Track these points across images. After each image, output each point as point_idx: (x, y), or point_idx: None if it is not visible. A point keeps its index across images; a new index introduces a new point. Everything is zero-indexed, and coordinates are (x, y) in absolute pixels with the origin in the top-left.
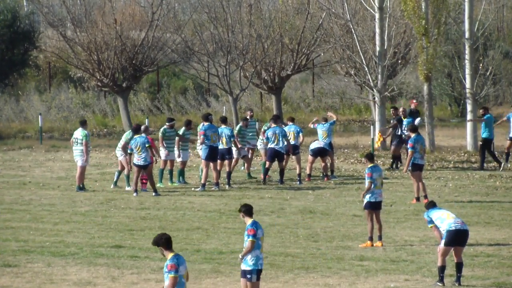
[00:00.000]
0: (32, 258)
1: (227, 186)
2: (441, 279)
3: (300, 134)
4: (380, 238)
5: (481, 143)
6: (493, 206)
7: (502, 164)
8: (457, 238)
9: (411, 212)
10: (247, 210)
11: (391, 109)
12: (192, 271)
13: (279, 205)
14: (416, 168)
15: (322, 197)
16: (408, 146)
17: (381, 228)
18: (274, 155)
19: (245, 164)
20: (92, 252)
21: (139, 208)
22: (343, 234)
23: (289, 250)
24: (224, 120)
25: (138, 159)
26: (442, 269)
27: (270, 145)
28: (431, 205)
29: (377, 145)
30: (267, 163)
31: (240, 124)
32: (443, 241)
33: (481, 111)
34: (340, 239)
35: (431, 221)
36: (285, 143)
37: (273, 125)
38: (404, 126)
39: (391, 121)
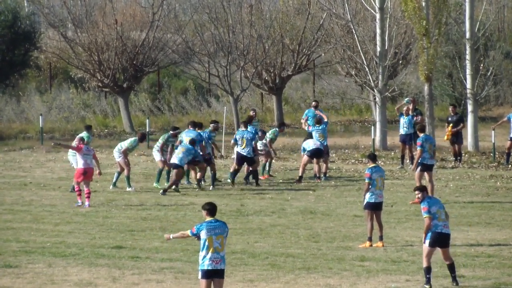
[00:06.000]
0: (33, 259)
1: (211, 187)
2: (428, 281)
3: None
4: (381, 238)
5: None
6: (494, 207)
7: None
8: (440, 241)
9: (412, 212)
10: None
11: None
12: (193, 271)
13: (280, 205)
14: (424, 168)
15: (323, 198)
16: (417, 145)
17: (382, 229)
18: (242, 160)
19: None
20: (93, 253)
21: (140, 209)
22: (344, 234)
23: (290, 250)
24: (197, 125)
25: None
26: (428, 270)
27: (237, 149)
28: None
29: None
30: (236, 166)
31: (260, 134)
32: (427, 241)
33: None
34: (341, 240)
35: (429, 212)
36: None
37: (243, 128)
38: (405, 123)
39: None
